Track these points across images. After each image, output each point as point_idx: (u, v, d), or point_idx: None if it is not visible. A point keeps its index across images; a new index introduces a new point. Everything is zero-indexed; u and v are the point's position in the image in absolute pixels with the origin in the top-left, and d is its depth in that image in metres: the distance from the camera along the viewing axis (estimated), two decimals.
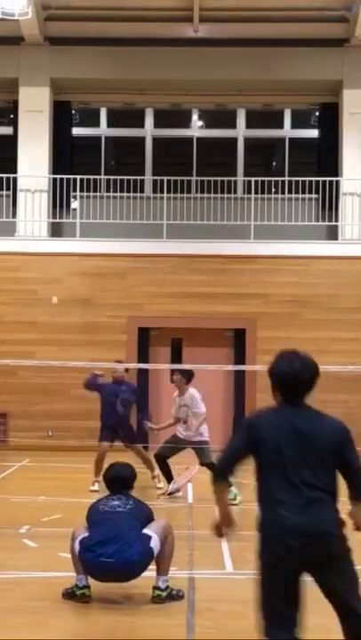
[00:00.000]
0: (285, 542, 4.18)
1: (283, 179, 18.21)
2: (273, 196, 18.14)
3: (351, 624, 4.28)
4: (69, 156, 18.85)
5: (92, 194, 18.13)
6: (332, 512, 4.27)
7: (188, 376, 11.50)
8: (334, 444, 4.26)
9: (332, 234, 18.19)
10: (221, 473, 4.35)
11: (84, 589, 6.18)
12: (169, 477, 11.45)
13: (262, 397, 16.98)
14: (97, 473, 11.36)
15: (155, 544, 6.14)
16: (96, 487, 11.41)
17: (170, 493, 11.27)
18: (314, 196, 18.21)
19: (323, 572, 4.27)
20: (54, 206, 18.17)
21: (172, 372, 11.70)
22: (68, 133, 18.98)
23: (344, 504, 4.29)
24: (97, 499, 6.77)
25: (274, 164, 19.80)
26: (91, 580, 6.21)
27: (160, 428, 12.19)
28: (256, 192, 18.01)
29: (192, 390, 11.40)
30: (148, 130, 19.22)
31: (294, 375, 4.34)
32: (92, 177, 18.16)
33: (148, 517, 6.39)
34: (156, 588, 6.21)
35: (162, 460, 11.42)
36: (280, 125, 19.25)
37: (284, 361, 4.39)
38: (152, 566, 6.17)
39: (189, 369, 11.89)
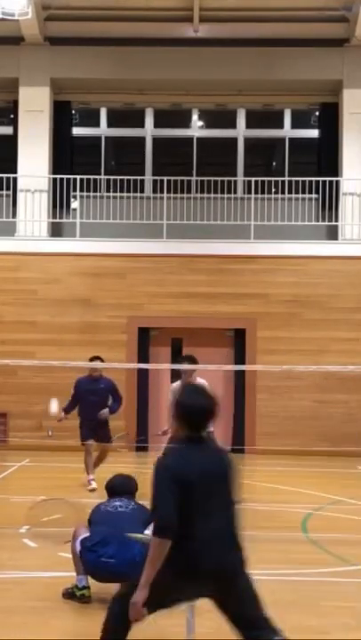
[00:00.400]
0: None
1: (283, 179, 18.21)
2: (273, 195, 18.14)
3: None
4: (69, 156, 18.85)
5: (92, 194, 18.13)
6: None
7: (195, 362, 11.11)
8: (231, 477, 4.37)
9: (332, 234, 18.19)
10: (170, 527, 4.12)
11: (83, 590, 6.18)
12: None
13: (262, 397, 17.05)
14: (90, 470, 11.58)
15: None
16: (94, 485, 11.50)
17: None
18: (314, 195, 18.21)
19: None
20: (54, 206, 18.17)
21: (181, 359, 11.38)
22: (68, 133, 18.97)
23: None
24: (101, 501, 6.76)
25: (274, 164, 19.80)
26: (91, 581, 6.21)
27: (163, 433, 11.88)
28: (256, 192, 18.01)
29: (201, 379, 10.81)
30: (148, 130, 19.22)
31: (210, 412, 4.37)
32: (92, 177, 18.16)
33: (149, 519, 6.39)
34: None
35: None
36: (280, 125, 19.25)
37: (194, 395, 4.44)
38: None
39: (193, 356, 11.39)
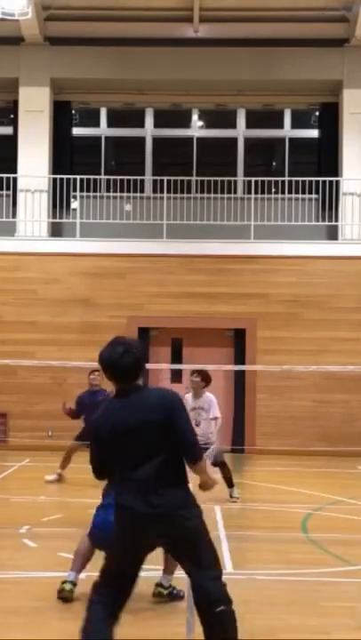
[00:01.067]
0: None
1: (283, 179, 18.21)
2: (273, 195, 18.14)
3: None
4: (69, 156, 18.85)
5: (92, 194, 18.13)
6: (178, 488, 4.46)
7: (207, 379, 11.23)
8: (164, 419, 4.42)
9: (332, 234, 18.19)
10: (96, 476, 4.63)
11: (67, 583, 6.27)
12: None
13: (262, 397, 17.05)
14: (63, 466, 12.03)
15: None
16: (53, 477, 12.17)
17: None
18: (314, 196, 18.21)
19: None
20: (54, 206, 18.17)
21: (192, 372, 11.44)
22: (68, 133, 18.97)
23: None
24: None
25: (274, 164, 19.80)
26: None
27: None
28: (256, 192, 18.01)
29: (210, 394, 11.22)
30: (148, 130, 19.22)
31: (114, 362, 4.49)
32: (92, 177, 18.16)
33: None
34: (158, 584, 6.28)
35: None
36: (280, 125, 19.25)
37: (108, 347, 4.58)
38: (158, 565, 6.17)
39: (207, 372, 11.49)
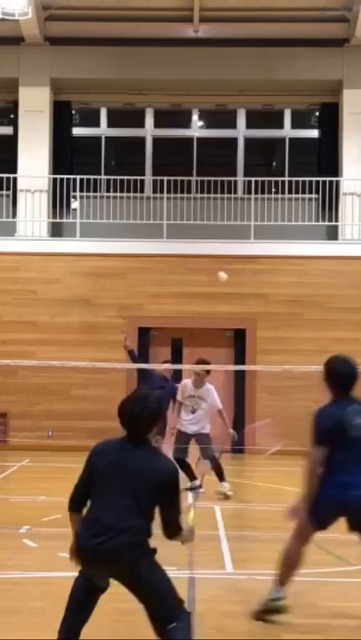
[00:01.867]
0: None
1: (283, 179, 18.21)
2: (273, 196, 18.13)
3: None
4: (69, 156, 18.85)
5: (92, 194, 18.13)
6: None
7: (208, 371, 11.92)
8: (161, 485, 4.54)
9: (332, 234, 18.19)
10: (71, 501, 4.74)
11: (279, 601, 5.85)
12: (191, 475, 11.58)
13: (262, 397, 17.04)
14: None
15: None
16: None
17: (191, 489, 11.38)
18: (314, 196, 18.21)
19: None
20: (54, 206, 18.17)
21: (198, 361, 12.00)
22: (68, 133, 18.97)
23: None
24: None
25: (274, 164, 19.79)
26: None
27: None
28: (256, 192, 18.00)
29: (209, 385, 11.84)
30: (148, 130, 19.21)
31: (131, 417, 4.65)
32: (92, 177, 18.15)
33: None
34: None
35: (182, 461, 11.41)
36: (280, 125, 19.24)
37: (128, 402, 4.73)
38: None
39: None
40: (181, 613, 4.62)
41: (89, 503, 4.68)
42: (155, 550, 4.61)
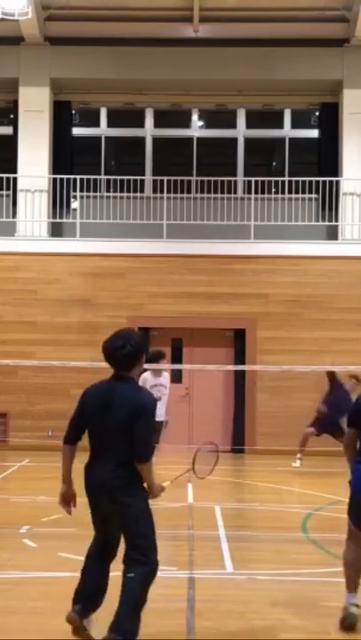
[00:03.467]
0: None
1: (283, 179, 18.21)
2: (273, 195, 18.13)
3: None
4: (69, 156, 18.84)
5: (92, 194, 18.13)
6: (123, 469, 5.05)
7: (165, 357, 12.85)
8: (134, 410, 5.03)
9: (332, 234, 18.19)
10: (66, 437, 5.30)
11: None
12: None
13: (262, 397, 17.04)
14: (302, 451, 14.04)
15: None
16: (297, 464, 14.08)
17: None
18: (314, 196, 18.21)
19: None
20: (54, 206, 18.16)
21: (159, 355, 12.65)
22: (68, 133, 18.97)
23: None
24: None
25: (274, 164, 19.79)
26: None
27: None
28: (256, 192, 18.00)
29: (165, 372, 12.86)
30: (148, 130, 19.21)
31: (111, 353, 5.19)
32: (92, 177, 18.15)
33: None
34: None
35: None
36: (280, 125, 19.24)
37: (110, 338, 5.28)
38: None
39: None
40: (146, 565, 4.98)
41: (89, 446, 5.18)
42: (145, 494, 5.08)
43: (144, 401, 5.12)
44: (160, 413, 12.08)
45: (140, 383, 12.02)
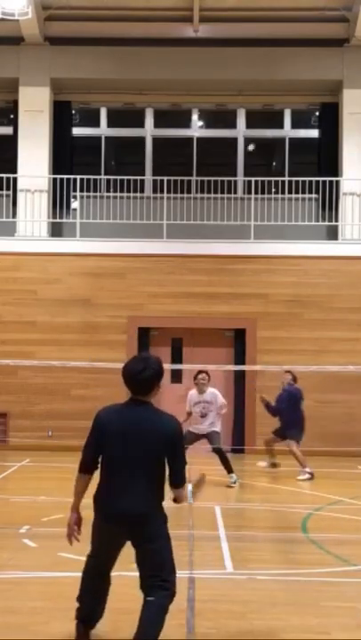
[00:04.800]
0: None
1: (283, 179, 18.21)
2: (273, 196, 18.14)
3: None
4: (69, 156, 18.84)
5: (92, 194, 18.13)
6: (151, 497, 4.98)
7: (210, 376, 12.86)
8: (166, 441, 4.96)
9: (332, 234, 18.19)
10: (83, 465, 5.12)
11: None
12: None
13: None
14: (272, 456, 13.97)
15: None
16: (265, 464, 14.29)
17: None
18: (314, 196, 18.21)
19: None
20: (54, 206, 18.16)
21: (198, 372, 12.86)
22: (68, 133, 18.97)
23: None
24: None
25: (274, 164, 19.79)
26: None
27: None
28: (256, 192, 18.00)
29: (212, 388, 12.79)
30: (148, 130, 19.21)
31: (133, 374, 5.05)
32: (92, 177, 18.15)
33: None
34: None
35: None
36: (280, 125, 19.24)
37: (131, 361, 5.16)
38: None
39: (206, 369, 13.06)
40: (167, 590, 4.97)
41: (102, 471, 5.05)
42: (166, 518, 5.02)
43: (173, 426, 5.05)
44: (202, 428, 12.53)
45: (187, 399, 12.69)
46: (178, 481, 5.04)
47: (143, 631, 4.88)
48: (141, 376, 5.03)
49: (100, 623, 5.31)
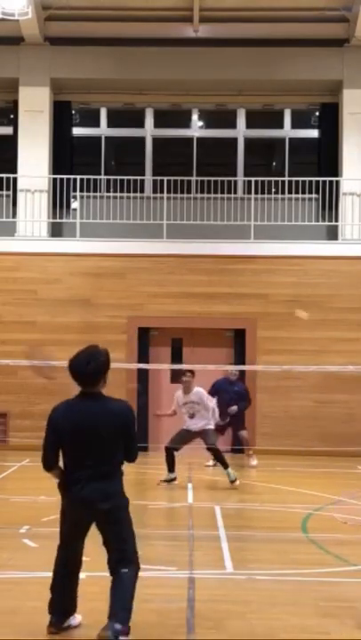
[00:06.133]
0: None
1: (283, 179, 18.21)
2: (273, 196, 18.13)
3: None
4: (69, 156, 18.84)
5: (92, 194, 18.13)
6: (112, 482, 5.38)
7: (194, 375, 12.80)
8: (119, 426, 5.33)
9: (332, 234, 18.19)
10: (46, 464, 5.48)
11: None
12: (172, 467, 12.58)
13: (263, 397, 17.04)
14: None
15: None
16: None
17: (167, 480, 12.48)
18: (314, 196, 18.21)
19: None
20: (54, 206, 18.16)
21: (182, 372, 12.96)
22: (68, 133, 18.97)
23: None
24: None
25: (274, 164, 19.79)
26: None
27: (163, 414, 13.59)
28: (256, 192, 18.00)
29: (198, 388, 12.70)
30: (148, 130, 19.21)
31: (78, 368, 5.36)
32: (92, 177, 18.15)
33: None
34: None
35: (171, 452, 12.58)
36: (280, 125, 19.24)
37: (76, 355, 5.42)
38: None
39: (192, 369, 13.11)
40: (134, 563, 5.37)
41: (64, 463, 5.39)
42: (128, 500, 5.39)
43: (124, 410, 5.41)
44: (195, 427, 12.54)
45: (174, 399, 12.74)
46: (132, 457, 5.45)
47: (119, 599, 5.22)
48: (86, 369, 5.32)
49: (101, 623, 5.30)
